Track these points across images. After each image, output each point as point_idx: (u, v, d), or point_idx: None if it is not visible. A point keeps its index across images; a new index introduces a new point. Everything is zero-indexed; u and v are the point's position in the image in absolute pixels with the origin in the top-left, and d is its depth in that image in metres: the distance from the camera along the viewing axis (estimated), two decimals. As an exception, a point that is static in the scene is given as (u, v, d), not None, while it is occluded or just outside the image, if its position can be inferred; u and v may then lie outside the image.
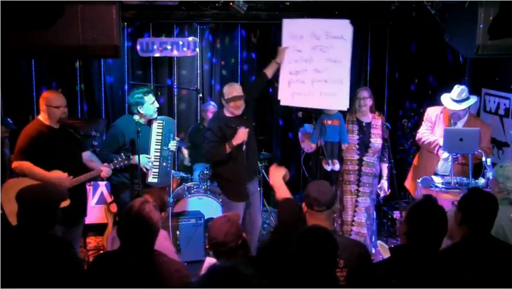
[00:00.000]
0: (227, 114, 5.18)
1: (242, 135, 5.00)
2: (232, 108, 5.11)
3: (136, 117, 5.07)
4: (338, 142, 5.44)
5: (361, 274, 2.79)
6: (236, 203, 5.23)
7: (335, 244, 2.61)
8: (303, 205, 3.30)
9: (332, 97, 5.26)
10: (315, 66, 5.25)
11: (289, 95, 5.36)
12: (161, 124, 5.22)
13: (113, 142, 5.11)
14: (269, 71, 5.36)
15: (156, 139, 5.19)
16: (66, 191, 4.05)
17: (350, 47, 5.19)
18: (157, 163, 5.17)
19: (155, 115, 5.17)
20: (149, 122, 5.19)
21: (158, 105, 5.20)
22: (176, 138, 5.33)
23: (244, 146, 5.08)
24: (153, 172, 5.15)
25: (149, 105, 5.08)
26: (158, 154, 5.18)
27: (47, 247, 3.00)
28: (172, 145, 5.23)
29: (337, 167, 5.36)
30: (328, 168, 5.31)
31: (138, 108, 5.07)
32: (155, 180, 5.17)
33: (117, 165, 4.88)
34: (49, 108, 4.65)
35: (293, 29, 5.31)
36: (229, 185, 5.28)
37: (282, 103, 5.45)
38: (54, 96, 4.74)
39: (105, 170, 4.84)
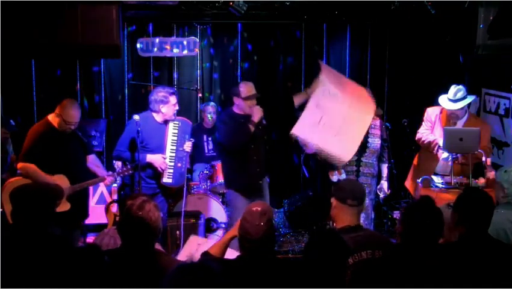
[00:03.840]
0: (238, 112, 5.19)
1: (258, 111, 5.04)
2: (249, 106, 5.12)
3: (136, 117, 5.06)
4: None
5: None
6: (247, 200, 5.15)
7: (345, 248, 2.61)
8: (334, 199, 3.31)
9: (339, 145, 5.14)
10: (343, 112, 5.14)
11: (305, 128, 5.16)
12: (177, 125, 5.23)
13: (128, 139, 5.10)
14: (297, 100, 5.28)
15: (172, 140, 5.21)
16: (62, 190, 4.05)
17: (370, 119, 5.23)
18: (172, 163, 5.19)
19: (173, 117, 5.19)
20: (165, 122, 5.20)
21: (178, 108, 5.20)
22: (190, 139, 5.33)
23: (252, 145, 5.13)
24: (168, 172, 5.17)
25: (172, 105, 5.10)
26: (173, 154, 5.20)
27: (43, 245, 2.98)
28: (187, 146, 5.24)
29: (343, 176, 5.36)
30: (335, 178, 5.31)
31: (161, 106, 5.07)
32: (170, 180, 5.19)
33: (121, 175, 4.93)
34: (61, 120, 4.67)
35: (330, 72, 5.27)
36: (242, 181, 5.28)
37: (293, 131, 5.15)
38: (71, 111, 4.70)
39: (109, 179, 4.93)
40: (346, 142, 5.17)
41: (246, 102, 5.12)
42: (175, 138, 5.21)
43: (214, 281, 1.85)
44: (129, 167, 4.94)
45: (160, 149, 5.12)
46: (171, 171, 5.18)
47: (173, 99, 5.09)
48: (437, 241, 2.83)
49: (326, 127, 5.16)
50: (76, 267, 2.42)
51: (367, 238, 3.20)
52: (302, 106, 5.46)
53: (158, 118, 5.13)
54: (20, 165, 4.62)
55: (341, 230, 3.22)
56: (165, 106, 5.07)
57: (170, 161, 5.17)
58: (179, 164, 5.22)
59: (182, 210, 5.46)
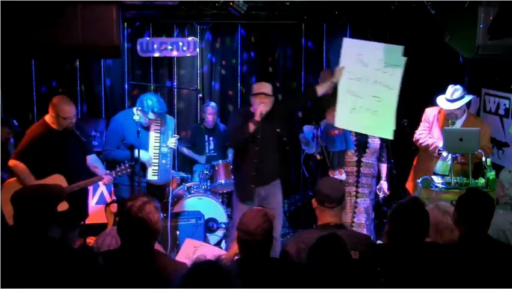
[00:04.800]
0: (252, 110, 5.01)
1: (258, 108, 4.86)
2: (256, 104, 4.94)
3: (136, 117, 5.07)
4: (344, 150, 5.43)
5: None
6: (241, 204, 5.11)
7: (348, 256, 2.61)
8: (314, 200, 3.34)
9: (379, 124, 5.20)
10: (372, 91, 5.16)
11: (345, 117, 5.24)
12: (159, 122, 5.22)
13: (114, 137, 5.14)
14: (320, 89, 5.23)
15: (155, 137, 5.20)
16: (63, 191, 4.02)
17: (401, 76, 5.12)
18: (156, 160, 5.18)
19: (144, 125, 5.15)
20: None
21: (148, 124, 5.15)
22: (174, 135, 5.32)
23: (257, 147, 5.00)
24: (153, 170, 5.16)
25: (146, 118, 5.08)
26: (157, 151, 5.19)
27: (38, 246, 2.97)
28: (171, 142, 5.23)
29: (343, 176, 5.36)
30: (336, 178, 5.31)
31: (138, 109, 5.08)
32: (155, 177, 5.18)
33: (119, 173, 4.91)
34: (57, 117, 4.65)
35: (352, 50, 5.22)
36: (237, 182, 5.28)
37: (337, 125, 5.30)
38: (65, 106, 4.68)
39: (107, 178, 4.88)
40: (383, 118, 5.18)
41: (255, 99, 4.99)
42: (158, 134, 5.20)
43: (229, 280, 1.88)
44: (127, 165, 4.93)
45: (142, 147, 5.08)
46: (156, 168, 5.18)
47: (151, 115, 5.06)
48: (423, 240, 2.84)
49: (362, 109, 5.20)
50: (69, 269, 2.42)
51: (345, 238, 3.21)
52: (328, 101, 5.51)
53: (136, 117, 5.10)
54: (12, 162, 4.61)
55: (320, 228, 3.27)
56: (140, 113, 5.06)
57: (154, 158, 5.16)
58: (164, 161, 5.22)
59: (169, 208, 5.48)
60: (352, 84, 5.21)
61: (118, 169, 4.90)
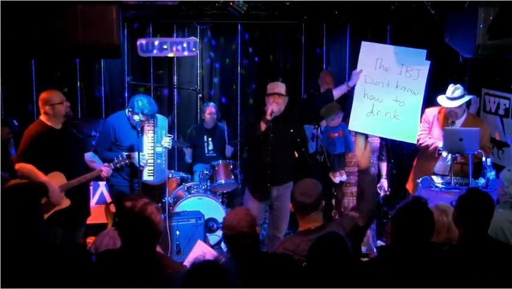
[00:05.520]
0: (265, 109, 5.02)
1: (269, 107, 4.89)
2: (269, 103, 4.95)
3: (136, 117, 5.06)
4: (344, 152, 5.44)
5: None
6: (253, 202, 5.12)
7: (348, 254, 2.61)
8: (291, 205, 3.38)
9: (401, 128, 5.23)
10: (394, 95, 5.19)
11: (360, 121, 5.27)
12: (153, 122, 5.22)
13: (105, 139, 5.15)
14: (337, 92, 5.26)
15: (150, 137, 5.20)
16: (45, 187, 3.96)
17: (425, 80, 5.14)
18: (151, 160, 5.17)
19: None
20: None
21: (140, 126, 5.13)
22: (168, 134, 5.31)
23: (270, 146, 4.98)
24: (149, 170, 5.14)
25: (136, 119, 5.06)
26: (152, 151, 5.19)
27: (30, 245, 2.94)
28: (165, 142, 5.23)
29: (344, 177, 5.37)
30: (337, 180, 5.31)
31: (129, 110, 5.10)
32: (151, 178, 5.17)
33: (118, 165, 4.90)
34: (53, 107, 4.62)
35: (370, 53, 5.25)
36: (251, 181, 5.31)
37: (351, 128, 5.33)
38: (52, 93, 4.70)
39: (105, 169, 4.84)
40: (406, 122, 5.20)
41: (269, 99, 5.00)
42: (152, 135, 5.20)
43: (229, 280, 1.89)
44: (124, 157, 4.93)
45: (136, 148, 5.06)
46: (152, 168, 5.16)
47: (141, 116, 5.06)
48: (427, 241, 2.84)
49: (381, 113, 5.20)
50: (62, 267, 2.40)
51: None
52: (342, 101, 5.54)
53: (136, 117, 5.09)
54: (17, 165, 4.60)
55: (302, 233, 3.28)
56: (131, 113, 5.07)
57: (149, 158, 5.16)
58: (159, 160, 5.20)
59: (166, 209, 5.47)
60: (369, 88, 5.23)
61: (116, 161, 4.88)
